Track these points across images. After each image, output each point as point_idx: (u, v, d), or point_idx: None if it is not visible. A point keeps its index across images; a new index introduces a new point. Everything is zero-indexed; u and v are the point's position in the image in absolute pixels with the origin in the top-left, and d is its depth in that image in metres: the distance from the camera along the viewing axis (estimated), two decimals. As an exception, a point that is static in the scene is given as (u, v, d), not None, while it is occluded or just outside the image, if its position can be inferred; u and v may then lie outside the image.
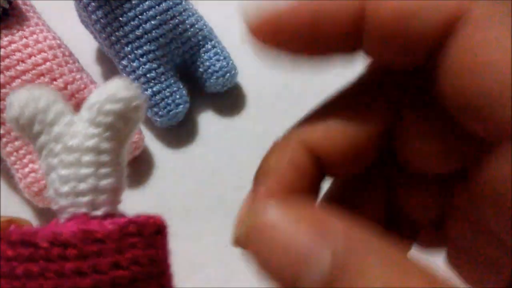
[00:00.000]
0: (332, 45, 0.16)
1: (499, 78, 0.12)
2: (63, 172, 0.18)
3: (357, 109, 0.17)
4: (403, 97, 0.17)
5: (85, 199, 0.18)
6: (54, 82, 0.33)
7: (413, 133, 0.17)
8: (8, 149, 0.33)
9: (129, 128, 0.19)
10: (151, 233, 0.18)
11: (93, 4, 0.35)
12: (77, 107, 0.34)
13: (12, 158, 0.33)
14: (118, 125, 0.18)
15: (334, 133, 0.16)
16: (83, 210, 0.18)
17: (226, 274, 0.32)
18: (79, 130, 0.18)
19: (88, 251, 0.16)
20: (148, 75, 0.36)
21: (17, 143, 0.32)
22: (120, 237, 0.17)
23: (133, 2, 0.35)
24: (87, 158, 0.18)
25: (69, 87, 0.33)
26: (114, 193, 0.18)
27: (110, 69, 0.40)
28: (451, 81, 0.14)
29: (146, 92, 0.36)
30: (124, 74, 0.37)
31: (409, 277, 0.12)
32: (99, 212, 0.18)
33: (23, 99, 0.18)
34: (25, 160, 0.32)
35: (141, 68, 0.36)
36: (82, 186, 0.18)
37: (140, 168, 0.37)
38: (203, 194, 0.34)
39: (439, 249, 0.20)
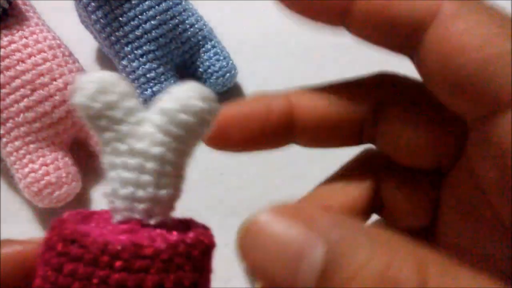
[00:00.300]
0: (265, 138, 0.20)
1: (472, 56, 0.15)
2: (124, 174, 0.17)
3: (345, 92, 0.19)
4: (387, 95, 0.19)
5: (141, 206, 0.17)
6: (54, 82, 0.33)
7: (398, 127, 0.19)
8: (8, 149, 0.33)
9: (196, 142, 0.18)
10: (199, 254, 0.17)
11: (93, 4, 0.35)
12: (77, 107, 0.34)
13: (12, 158, 0.33)
14: (187, 138, 0.18)
15: (316, 101, 0.19)
16: (137, 216, 0.17)
17: (226, 274, 0.32)
18: (147, 134, 0.17)
19: (136, 266, 0.16)
20: (148, 75, 0.36)
21: (17, 143, 0.32)
22: (169, 257, 0.16)
23: (133, 2, 0.35)
24: (150, 165, 0.17)
25: (69, 87, 0.33)
26: (170, 203, 0.18)
27: (110, 69, 0.40)
28: (433, 64, 0.16)
29: (145, 92, 0.36)
30: (124, 74, 0.37)
31: (396, 254, 0.13)
32: (152, 221, 0.17)
33: (94, 89, 0.17)
34: (25, 160, 0.32)
35: (141, 68, 0.36)
36: (141, 193, 0.17)
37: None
38: (203, 194, 0.34)
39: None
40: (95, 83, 0.17)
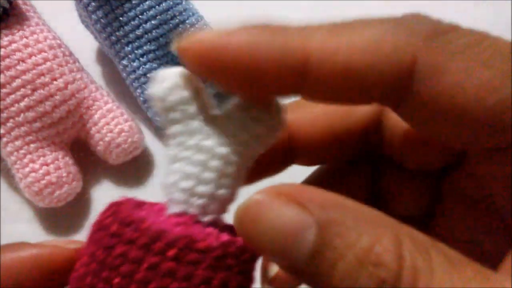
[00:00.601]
0: (267, 89, 0.17)
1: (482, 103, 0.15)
2: (188, 168, 0.18)
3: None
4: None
5: (199, 201, 0.18)
6: (54, 82, 0.33)
7: (398, 130, 0.19)
8: (8, 149, 0.33)
9: (261, 150, 0.19)
10: (247, 259, 0.17)
11: (93, 4, 0.35)
12: (77, 106, 0.34)
13: (12, 158, 0.33)
14: (254, 145, 0.18)
15: (339, 52, 0.16)
16: (193, 211, 0.18)
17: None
18: (216, 133, 0.18)
19: (188, 258, 0.16)
20: (148, 75, 0.36)
21: (17, 143, 0.32)
22: (221, 255, 0.16)
23: (133, 2, 0.35)
24: (214, 163, 0.17)
25: (69, 86, 0.33)
26: (226, 204, 0.18)
27: (110, 69, 0.40)
28: (432, 112, 0.16)
29: (146, 92, 0.36)
30: (124, 74, 0.37)
31: (379, 234, 0.14)
32: (206, 218, 0.18)
33: (172, 83, 0.18)
34: (25, 160, 0.32)
35: (141, 68, 0.36)
36: (201, 188, 0.17)
37: (140, 168, 0.37)
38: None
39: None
40: (173, 78, 0.18)
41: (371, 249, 0.14)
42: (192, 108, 0.18)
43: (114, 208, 0.18)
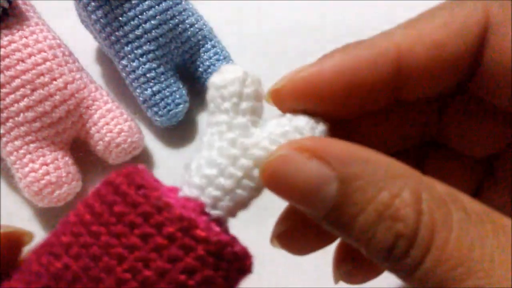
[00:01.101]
0: (370, 101, 0.18)
1: None
2: (217, 158, 0.18)
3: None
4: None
5: (214, 192, 0.17)
6: (54, 82, 0.33)
7: (459, 116, 0.19)
8: (8, 148, 0.33)
9: None
10: (237, 268, 0.17)
11: (93, 4, 0.35)
12: (77, 106, 0.34)
13: (12, 158, 0.33)
14: None
15: (437, 37, 0.17)
16: (205, 200, 0.17)
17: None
18: (257, 135, 0.18)
19: (181, 241, 0.16)
20: (147, 75, 0.36)
21: (17, 143, 0.32)
22: (213, 251, 0.16)
23: (133, 2, 0.35)
24: (244, 162, 0.17)
25: (69, 86, 0.33)
26: (238, 207, 0.18)
27: (109, 69, 0.40)
28: (498, 77, 0.17)
29: (145, 92, 0.36)
30: (124, 74, 0.37)
31: (398, 188, 0.14)
32: (213, 212, 0.17)
33: (237, 76, 0.18)
34: (25, 160, 0.32)
35: (140, 68, 0.36)
36: (222, 181, 0.17)
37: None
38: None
39: None
40: (240, 72, 0.18)
41: (390, 204, 0.14)
42: (245, 105, 0.18)
43: (131, 170, 0.17)
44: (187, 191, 0.18)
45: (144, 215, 0.16)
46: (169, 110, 0.36)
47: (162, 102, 0.36)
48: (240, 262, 0.17)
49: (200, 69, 0.38)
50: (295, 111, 0.18)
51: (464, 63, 0.17)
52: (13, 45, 0.33)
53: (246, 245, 0.18)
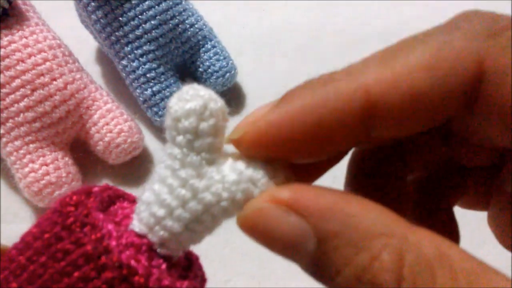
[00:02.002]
0: (336, 145, 0.16)
1: None
2: (167, 197, 0.17)
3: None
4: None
5: (162, 233, 0.17)
6: (54, 82, 0.33)
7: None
8: (8, 149, 0.33)
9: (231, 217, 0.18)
10: None
11: (93, 4, 0.35)
12: (77, 107, 0.34)
13: (12, 158, 0.33)
14: (237, 210, 0.17)
15: (400, 79, 0.15)
16: (152, 238, 0.17)
17: (225, 274, 0.32)
18: (209, 178, 0.17)
19: (119, 287, 0.16)
20: (147, 75, 0.36)
21: (17, 143, 0.32)
22: None
23: (133, 2, 0.35)
24: (193, 205, 0.16)
25: (68, 87, 0.33)
26: (186, 247, 0.18)
27: (109, 69, 0.40)
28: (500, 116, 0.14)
29: (145, 92, 0.36)
30: (124, 74, 0.37)
31: (383, 243, 0.13)
32: (161, 251, 0.17)
33: (195, 107, 0.16)
34: (25, 160, 0.32)
35: (140, 68, 0.36)
36: (169, 223, 0.17)
37: (139, 168, 0.37)
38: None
39: (481, 209, 0.22)
40: (200, 102, 0.16)
41: (369, 267, 0.13)
42: (200, 143, 0.17)
43: (79, 198, 0.17)
44: (136, 226, 0.17)
45: (86, 257, 0.16)
46: (169, 110, 0.36)
47: (162, 102, 0.36)
48: None
49: (200, 69, 0.38)
50: (256, 156, 0.17)
51: (450, 113, 0.15)
52: (13, 45, 0.33)
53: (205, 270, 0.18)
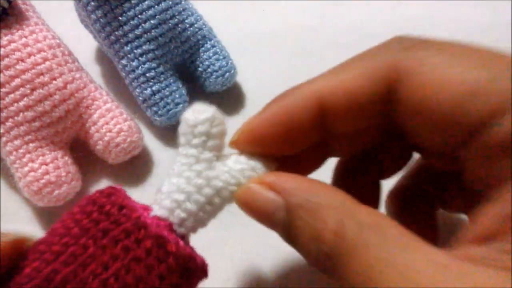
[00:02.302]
0: (303, 140, 0.22)
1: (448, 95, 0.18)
2: (185, 186, 0.22)
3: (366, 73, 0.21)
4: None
5: (182, 214, 0.21)
6: (54, 82, 0.33)
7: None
8: (8, 148, 0.33)
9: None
10: (197, 276, 0.22)
11: (92, 3, 0.35)
12: (76, 106, 0.34)
13: (12, 157, 0.33)
14: None
15: (350, 85, 0.20)
16: (173, 220, 0.21)
17: (225, 273, 0.32)
18: (219, 169, 0.22)
19: (155, 253, 0.20)
20: (147, 75, 0.36)
21: (16, 142, 0.32)
22: (182, 263, 0.21)
23: (133, 1, 0.35)
24: (207, 190, 0.22)
25: (68, 86, 0.33)
26: (199, 226, 0.22)
27: (109, 69, 0.40)
28: (413, 108, 0.19)
29: (145, 92, 0.36)
30: (124, 74, 0.37)
31: (331, 214, 0.18)
32: (180, 230, 0.21)
33: (207, 118, 0.22)
34: (24, 159, 0.32)
35: (140, 67, 0.36)
36: (188, 205, 0.21)
37: (139, 167, 0.37)
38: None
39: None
40: (210, 114, 0.22)
41: (320, 229, 0.18)
42: (212, 143, 0.22)
43: (112, 192, 0.21)
44: (158, 211, 0.22)
45: (126, 232, 0.20)
46: (169, 110, 0.36)
47: (162, 101, 0.36)
48: (199, 270, 0.22)
49: (199, 68, 0.38)
50: (251, 152, 0.23)
51: (377, 107, 0.20)
52: (13, 45, 0.33)
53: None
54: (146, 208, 0.22)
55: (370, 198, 0.26)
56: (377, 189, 0.27)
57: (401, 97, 0.19)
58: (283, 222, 0.20)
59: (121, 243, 0.20)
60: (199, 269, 0.22)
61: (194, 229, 0.22)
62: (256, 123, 0.22)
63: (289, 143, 0.22)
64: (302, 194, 0.19)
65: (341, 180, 0.27)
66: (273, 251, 0.32)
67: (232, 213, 0.33)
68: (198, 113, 0.22)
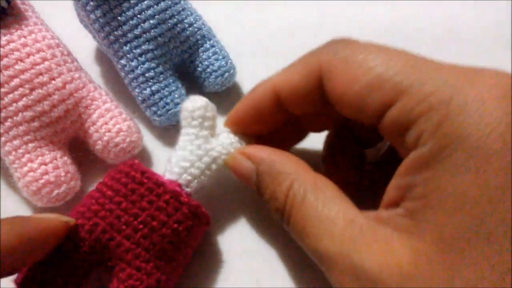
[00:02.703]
0: (272, 120, 0.30)
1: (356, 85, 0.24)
2: (189, 156, 0.29)
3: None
4: None
5: (187, 177, 0.29)
6: (53, 81, 0.33)
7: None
8: (7, 148, 0.33)
9: None
10: (204, 222, 0.29)
11: (91, 3, 0.35)
12: (75, 106, 0.34)
13: (11, 157, 0.33)
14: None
15: (293, 80, 0.27)
16: (181, 182, 0.29)
17: (224, 272, 0.32)
18: (213, 142, 0.30)
19: (173, 204, 0.28)
20: (146, 75, 0.36)
21: (15, 142, 0.32)
22: (193, 211, 0.28)
23: (132, 1, 0.35)
24: (206, 159, 0.30)
25: (67, 86, 0.33)
26: (201, 186, 0.30)
27: (108, 68, 0.40)
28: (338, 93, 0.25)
29: (144, 91, 0.36)
30: (123, 73, 0.37)
31: (284, 177, 0.26)
32: (187, 189, 0.29)
33: (201, 104, 0.30)
34: (23, 159, 0.32)
35: (139, 67, 0.36)
36: (192, 170, 0.29)
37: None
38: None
39: None
40: (204, 102, 0.31)
41: (275, 189, 0.26)
42: (207, 124, 0.30)
43: (132, 163, 0.29)
44: (169, 176, 0.30)
45: (149, 189, 0.28)
46: (168, 110, 0.36)
47: (161, 101, 0.36)
48: (205, 217, 0.29)
49: (199, 68, 0.38)
50: (237, 130, 0.31)
51: (314, 96, 0.26)
52: (12, 45, 0.33)
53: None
54: (161, 176, 0.29)
55: (356, 165, 0.32)
56: (361, 158, 0.32)
57: (327, 89, 0.25)
58: (255, 183, 0.28)
59: (146, 198, 0.28)
60: (204, 216, 0.29)
61: (197, 190, 0.30)
62: (236, 109, 0.30)
63: (262, 123, 0.30)
64: (266, 163, 0.27)
65: (329, 152, 0.32)
66: (273, 251, 0.32)
67: (231, 214, 0.33)
68: (195, 102, 0.30)
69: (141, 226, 0.27)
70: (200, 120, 0.30)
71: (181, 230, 0.27)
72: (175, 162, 0.29)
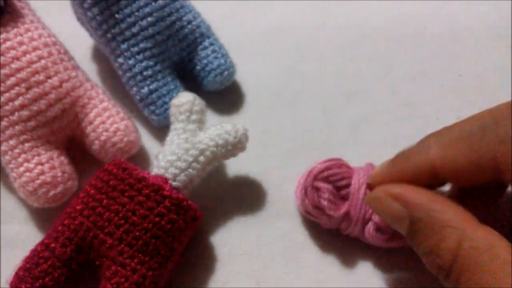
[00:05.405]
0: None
1: None
2: (176, 149, 0.30)
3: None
4: None
5: (174, 171, 0.29)
6: (49, 80, 0.33)
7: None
8: (3, 148, 0.32)
9: (222, 159, 0.31)
10: (191, 216, 0.29)
11: (88, 1, 0.35)
12: (72, 105, 0.34)
13: (7, 157, 0.32)
14: (220, 156, 0.31)
15: (460, 162, 0.24)
16: (168, 176, 0.29)
17: (225, 274, 0.32)
18: (200, 136, 0.30)
19: (154, 198, 0.28)
20: (144, 73, 0.35)
21: (11, 142, 0.32)
22: (176, 204, 0.28)
23: (129, -1, 0.34)
24: (193, 152, 0.29)
25: (64, 85, 0.33)
26: (189, 180, 0.29)
27: (106, 67, 0.40)
28: None
29: (142, 90, 0.35)
30: (120, 72, 0.36)
31: (449, 232, 0.22)
32: (173, 183, 0.29)
33: (189, 99, 0.31)
34: (19, 159, 0.32)
35: (137, 66, 0.35)
36: (178, 163, 0.29)
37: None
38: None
39: None
40: (191, 97, 0.31)
41: (437, 245, 0.22)
42: (194, 117, 0.31)
43: (116, 161, 0.30)
44: (156, 171, 0.30)
45: (129, 184, 0.28)
46: (166, 109, 0.35)
47: (159, 100, 0.35)
48: (192, 212, 0.29)
49: (197, 67, 0.37)
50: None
51: (486, 177, 0.24)
52: (8, 43, 0.32)
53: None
54: (147, 172, 0.29)
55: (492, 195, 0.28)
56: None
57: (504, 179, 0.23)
58: (407, 229, 0.24)
59: (126, 193, 0.28)
60: (191, 210, 0.29)
61: (186, 184, 0.29)
62: (385, 174, 0.27)
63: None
64: (422, 210, 0.23)
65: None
66: (273, 251, 0.32)
67: (230, 215, 0.33)
68: (182, 97, 0.31)
69: (122, 221, 0.27)
70: (188, 114, 0.30)
71: (164, 224, 0.27)
72: (161, 157, 0.30)
